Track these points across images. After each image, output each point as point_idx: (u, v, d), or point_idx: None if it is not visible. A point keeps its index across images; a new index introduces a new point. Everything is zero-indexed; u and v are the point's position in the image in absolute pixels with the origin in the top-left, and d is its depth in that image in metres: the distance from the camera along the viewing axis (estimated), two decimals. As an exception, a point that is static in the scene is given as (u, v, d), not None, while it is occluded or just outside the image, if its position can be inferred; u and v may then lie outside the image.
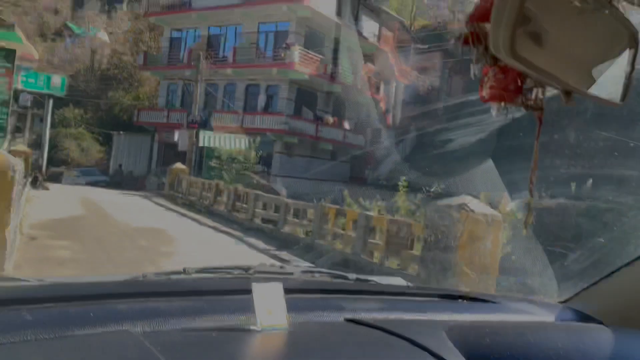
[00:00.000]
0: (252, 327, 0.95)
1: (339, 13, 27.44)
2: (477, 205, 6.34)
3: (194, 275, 1.33)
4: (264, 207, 13.76)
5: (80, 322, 0.86)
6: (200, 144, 22.87)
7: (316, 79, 26.15)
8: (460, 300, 1.40)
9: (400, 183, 11.89)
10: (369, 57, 30.73)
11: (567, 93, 0.58)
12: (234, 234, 12.24)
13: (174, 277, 1.32)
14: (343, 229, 10.52)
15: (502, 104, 0.60)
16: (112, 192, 20.82)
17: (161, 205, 17.02)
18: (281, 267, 1.44)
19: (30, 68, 21.80)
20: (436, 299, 1.42)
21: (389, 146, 31.98)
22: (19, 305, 0.89)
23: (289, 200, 13.28)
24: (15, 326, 0.80)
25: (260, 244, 11.09)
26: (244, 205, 14.52)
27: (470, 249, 5.95)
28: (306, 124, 26.36)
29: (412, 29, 38.17)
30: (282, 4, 25.05)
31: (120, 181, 28.78)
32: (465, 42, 0.54)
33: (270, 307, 0.97)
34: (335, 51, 28.03)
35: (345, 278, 1.51)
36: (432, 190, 12.32)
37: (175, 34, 30.29)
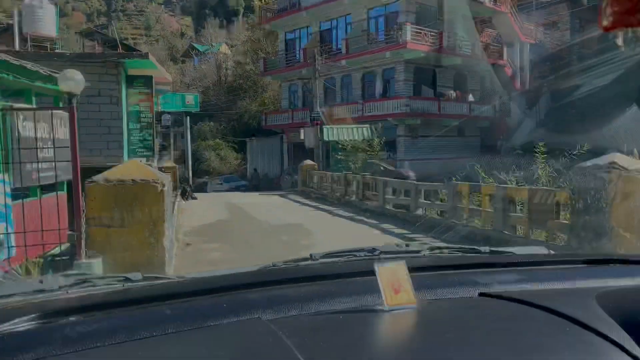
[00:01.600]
0: (378, 308, 0.94)
1: (449, -18, 26.33)
2: (629, 162, 5.70)
3: (321, 261, 1.34)
4: (394, 192, 13.68)
5: (214, 313, 0.91)
6: (325, 139, 23.36)
7: (433, 54, 25.31)
8: (611, 264, 1.26)
9: (537, 149, 11.12)
10: (487, 22, 29.05)
11: None
12: (367, 221, 12.35)
13: (301, 263, 1.34)
14: (479, 206, 10.09)
15: (629, 30, 0.51)
16: (252, 194, 22.13)
17: (297, 202, 17.71)
18: (407, 246, 1.41)
19: (167, 90, 23.84)
20: (582, 265, 1.28)
21: (520, 112, 30.01)
22: (160, 302, 0.97)
23: (418, 183, 13.06)
24: (157, 321, 0.87)
25: (395, 229, 11.05)
26: (374, 193, 14.58)
27: (625, 210, 5.36)
28: (428, 103, 25.66)
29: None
30: (389, -15, 24.65)
31: (257, 184, 30.51)
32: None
33: (396, 287, 0.95)
34: (450, 22, 26.91)
35: (478, 252, 1.44)
36: (574, 152, 11.31)
37: (289, 36, 31.27)
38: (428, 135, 25.88)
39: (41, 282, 1.14)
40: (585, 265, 1.28)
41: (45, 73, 7.24)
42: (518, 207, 9.08)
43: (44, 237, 5.34)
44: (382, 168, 19.71)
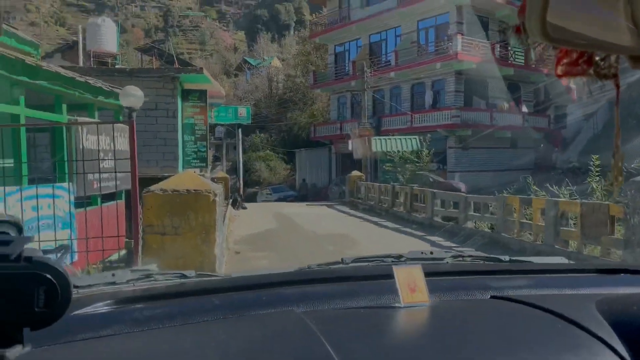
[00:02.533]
0: (395, 305, 1.06)
1: (500, -9, 25.91)
2: (686, 176, 5.49)
3: (351, 265, 1.47)
4: (443, 204, 13.56)
5: (254, 305, 1.07)
6: (373, 150, 23.37)
7: (484, 65, 24.90)
8: (622, 274, 1.32)
9: (592, 163, 10.79)
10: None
11: (632, 57, 0.56)
12: (414, 233, 12.29)
13: (333, 266, 1.47)
14: (530, 219, 9.87)
15: (577, 78, 0.61)
16: (300, 204, 22.38)
17: (344, 212, 17.81)
18: (431, 253, 1.50)
19: (220, 103, 24.57)
20: (593, 274, 1.35)
21: (577, 124, 29.02)
22: (210, 294, 1.14)
23: (468, 195, 12.89)
24: (207, 309, 1.04)
25: (443, 242, 10.96)
26: (422, 205, 14.49)
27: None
28: (479, 114, 25.23)
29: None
30: (439, -3, 24.51)
31: (305, 194, 30.81)
32: (517, 31, 0.57)
33: (411, 286, 1.07)
34: (502, 32, 26.43)
35: (499, 260, 1.53)
36: (632, 166, 10.89)
37: (339, 49, 31.57)
38: (479, 147, 25.43)
39: (113, 275, 1.33)
40: (595, 274, 1.35)
41: (107, 89, 7.71)
42: (571, 222, 8.84)
43: (103, 244, 5.67)
44: (431, 179, 19.51)
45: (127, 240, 6.64)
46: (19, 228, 0.72)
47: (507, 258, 1.53)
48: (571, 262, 1.62)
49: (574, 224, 8.65)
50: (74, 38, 28.28)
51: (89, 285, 1.26)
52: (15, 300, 0.66)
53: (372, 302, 1.09)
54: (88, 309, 1.02)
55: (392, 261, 1.44)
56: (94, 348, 0.89)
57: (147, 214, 5.66)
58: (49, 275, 0.67)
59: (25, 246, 0.68)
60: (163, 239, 5.71)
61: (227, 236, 10.42)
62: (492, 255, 1.59)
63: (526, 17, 0.52)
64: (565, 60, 0.58)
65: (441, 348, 0.88)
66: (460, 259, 1.53)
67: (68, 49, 26.61)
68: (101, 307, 1.04)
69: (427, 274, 1.12)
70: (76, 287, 1.24)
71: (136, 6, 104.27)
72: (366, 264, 1.48)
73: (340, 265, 1.47)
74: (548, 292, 1.17)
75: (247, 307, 1.06)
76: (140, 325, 0.96)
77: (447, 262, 1.47)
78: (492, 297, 1.14)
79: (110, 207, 7.52)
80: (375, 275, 1.25)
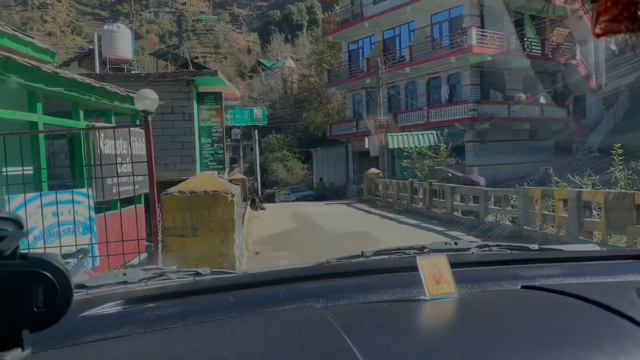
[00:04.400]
0: (421, 297, 1.01)
1: (514, -18, 25.57)
2: None
3: (372, 258, 1.42)
4: (462, 199, 13.41)
5: (272, 301, 1.03)
6: (390, 147, 23.25)
7: (499, 57, 24.61)
8: None
9: (614, 152, 10.57)
10: (557, 21, 27.92)
11: None
12: (435, 229, 12.17)
13: (353, 260, 1.42)
14: (552, 211, 9.70)
15: (621, 36, 0.55)
16: (318, 204, 22.37)
17: (362, 210, 17.74)
18: (456, 244, 1.44)
19: (236, 105, 24.67)
20: (629, 261, 1.28)
21: (596, 113, 28.52)
22: (225, 292, 1.11)
23: (488, 189, 12.73)
24: (222, 307, 1.00)
25: (464, 236, 10.83)
26: (442, 200, 14.35)
27: None
28: (496, 107, 24.92)
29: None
30: (451, -11, 24.29)
31: (323, 193, 30.79)
32: None
33: (437, 278, 1.01)
34: (517, 23, 26.08)
35: (527, 249, 1.46)
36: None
37: (352, 47, 31.48)
38: (498, 140, 25.14)
39: (124, 274, 1.31)
40: (632, 260, 1.28)
41: (123, 94, 7.76)
42: (595, 212, 8.67)
43: (124, 248, 5.70)
44: (450, 174, 19.34)
45: (148, 243, 6.67)
46: (19, 226, 0.66)
47: (535, 246, 1.46)
48: (603, 248, 1.53)
49: (598, 214, 8.47)
50: (90, 46, 28.67)
51: (99, 286, 1.23)
52: (12, 300, 0.62)
53: (395, 295, 1.04)
54: (97, 310, 0.99)
55: (415, 253, 1.39)
56: (102, 350, 0.85)
57: (166, 216, 5.67)
58: (47, 273, 0.62)
59: (42, 250, 0.64)
60: (182, 240, 5.73)
61: (246, 237, 10.43)
62: (518, 244, 1.52)
63: None
64: (604, 17, 0.53)
65: (473, 342, 0.82)
66: (487, 248, 1.47)
67: (84, 57, 26.98)
68: (111, 308, 1.01)
69: (453, 265, 1.06)
70: (86, 287, 1.22)
71: (150, 12, 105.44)
72: (387, 256, 1.42)
73: (361, 259, 1.41)
74: (583, 280, 1.10)
75: (264, 304, 1.02)
76: (152, 325, 0.93)
77: (473, 253, 1.42)
78: (522, 287, 1.08)
79: (130, 211, 7.57)
80: (398, 268, 1.20)
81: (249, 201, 17.75)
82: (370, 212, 16.90)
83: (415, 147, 21.80)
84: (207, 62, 60.66)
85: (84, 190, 6.31)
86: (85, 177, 6.66)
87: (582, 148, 26.12)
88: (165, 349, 0.85)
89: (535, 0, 26.02)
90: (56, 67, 7.96)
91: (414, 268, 1.06)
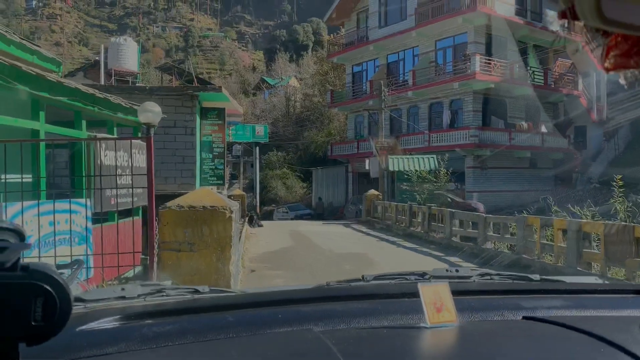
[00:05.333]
0: (421, 325, 1.00)
1: (519, 12, 25.89)
2: None
3: (372, 282, 1.40)
4: (461, 224, 13.36)
5: (270, 323, 1.02)
6: (390, 169, 23.28)
7: (502, 85, 24.81)
8: None
9: (615, 183, 10.56)
10: (560, 51, 28.22)
11: None
12: (433, 253, 12.10)
13: (353, 284, 1.41)
14: (551, 240, 9.65)
15: (630, 71, 0.54)
16: (316, 223, 22.29)
17: (360, 231, 17.67)
18: (457, 271, 1.44)
19: (238, 122, 24.79)
20: (631, 295, 1.27)
21: (597, 144, 28.63)
22: (224, 311, 1.09)
23: (487, 215, 12.69)
24: (220, 327, 0.99)
25: (462, 262, 10.76)
26: (440, 225, 14.30)
27: None
28: (497, 134, 25.03)
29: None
30: (457, 17, 24.54)
31: (322, 212, 30.73)
32: (562, 16, 0.50)
33: (438, 305, 1.00)
34: (521, 52, 26.36)
35: (529, 280, 1.45)
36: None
37: (356, 69, 31.74)
38: (498, 167, 25.19)
39: (122, 289, 1.29)
40: (634, 295, 1.27)
41: (126, 105, 7.78)
42: (594, 243, 8.62)
43: (119, 260, 5.64)
44: (449, 199, 19.31)
45: (143, 256, 6.62)
46: (21, 237, 0.66)
47: (537, 277, 1.45)
48: (606, 282, 1.52)
49: (597, 245, 8.43)
50: (97, 57, 28.90)
51: (97, 300, 1.22)
52: (10, 312, 0.60)
53: (395, 321, 1.03)
54: (94, 325, 0.98)
55: (416, 279, 1.38)
56: None
57: (163, 230, 5.63)
58: (47, 286, 0.61)
59: (37, 259, 0.62)
60: (178, 255, 5.68)
61: (242, 254, 10.36)
62: (521, 274, 1.51)
63: None
64: (615, 51, 0.51)
65: None
66: (488, 277, 1.46)
67: (90, 68, 27.17)
68: (109, 323, 1.00)
69: (454, 293, 1.06)
70: (83, 301, 1.21)
71: (157, 26, 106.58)
72: (388, 281, 1.41)
73: (361, 283, 1.41)
74: (585, 313, 1.09)
75: (262, 325, 1.01)
76: (149, 343, 0.92)
77: (474, 281, 1.40)
78: (524, 317, 1.08)
79: (127, 224, 7.53)
80: (399, 294, 1.20)
81: (247, 218, 17.69)
82: (368, 234, 16.83)
83: (416, 170, 21.81)
84: (212, 78, 61.17)
85: (82, 200, 6.28)
86: (84, 187, 6.64)
87: (582, 179, 26.16)
88: None
89: (539, 30, 26.38)
90: (61, 77, 7.99)
91: (415, 294, 1.05)
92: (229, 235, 5.99)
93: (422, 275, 1.39)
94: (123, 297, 1.25)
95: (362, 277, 1.43)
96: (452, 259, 11.28)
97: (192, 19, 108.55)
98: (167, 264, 5.58)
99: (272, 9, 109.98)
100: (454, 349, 0.97)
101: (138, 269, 7.06)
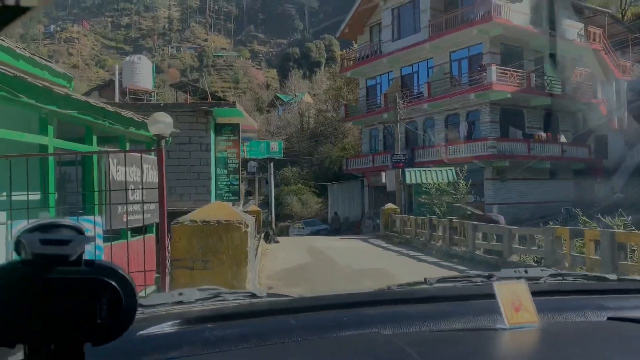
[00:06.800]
0: (499, 326, 0.95)
1: (534, 22, 25.52)
2: None
3: (435, 285, 1.38)
4: (484, 237, 12.93)
5: (335, 326, 1.00)
6: (407, 182, 22.89)
7: (520, 95, 24.40)
8: None
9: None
10: (578, 60, 27.75)
11: None
12: (457, 267, 11.67)
13: (416, 287, 1.40)
14: (581, 252, 9.21)
15: None
16: (333, 238, 21.93)
17: (379, 246, 17.26)
18: (526, 272, 1.38)
19: (252, 138, 24.69)
20: None
21: (619, 153, 27.95)
22: (284, 315, 1.07)
23: (512, 227, 12.25)
24: (283, 330, 0.97)
25: (487, 277, 10.33)
26: (462, 238, 13.87)
27: None
28: (516, 145, 24.54)
29: (625, 19, 33.60)
30: (472, 28, 24.28)
31: (338, 227, 30.37)
32: None
33: (516, 305, 0.95)
34: (538, 61, 25.97)
35: (605, 279, 1.41)
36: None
37: (370, 82, 31.56)
38: (518, 178, 24.67)
39: (180, 294, 1.30)
40: None
41: (138, 120, 7.58)
42: (628, 254, 8.17)
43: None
44: (469, 212, 18.86)
45: (157, 275, 6.36)
46: (81, 234, 0.62)
47: (614, 276, 1.42)
48: None
49: (631, 257, 7.98)
50: (111, 77, 29.11)
51: (155, 305, 1.22)
52: (75, 309, 0.56)
53: (468, 324, 1.00)
54: (154, 329, 0.97)
55: (482, 281, 1.34)
56: None
57: (176, 246, 5.36)
58: (113, 282, 0.57)
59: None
60: (192, 273, 5.40)
61: (259, 271, 10.05)
62: (594, 274, 1.48)
63: None
64: None
65: None
66: (560, 277, 1.41)
67: (105, 87, 27.38)
68: (168, 327, 1.00)
69: None
70: (141, 306, 1.19)
71: (172, 47, 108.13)
72: (452, 284, 1.39)
73: (424, 286, 1.39)
74: None
75: (328, 329, 0.99)
76: (212, 347, 0.91)
77: (545, 281, 1.37)
78: (609, 318, 1.04)
79: (140, 242, 7.29)
80: (467, 295, 1.17)
81: (263, 234, 17.42)
82: (387, 249, 16.43)
83: (434, 183, 21.39)
84: (226, 96, 61.49)
85: (92, 217, 6.05)
86: (95, 203, 6.42)
87: (605, 189, 25.48)
88: None
89: (555, 39, 25.99)
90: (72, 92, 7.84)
91: (485, 296, 1.02)
92: (245, 251, 5.71)
93: (488, 277, 1.35)
94: (181, 302, 1.26)
95: (425, 279, 1.41)
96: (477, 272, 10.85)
97: (206, 39, 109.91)
98: (180, 282, 5.30)
99: (284, 28, 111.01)
100: (540, 351, 0.91)
101: (152, 288, 6.79)
